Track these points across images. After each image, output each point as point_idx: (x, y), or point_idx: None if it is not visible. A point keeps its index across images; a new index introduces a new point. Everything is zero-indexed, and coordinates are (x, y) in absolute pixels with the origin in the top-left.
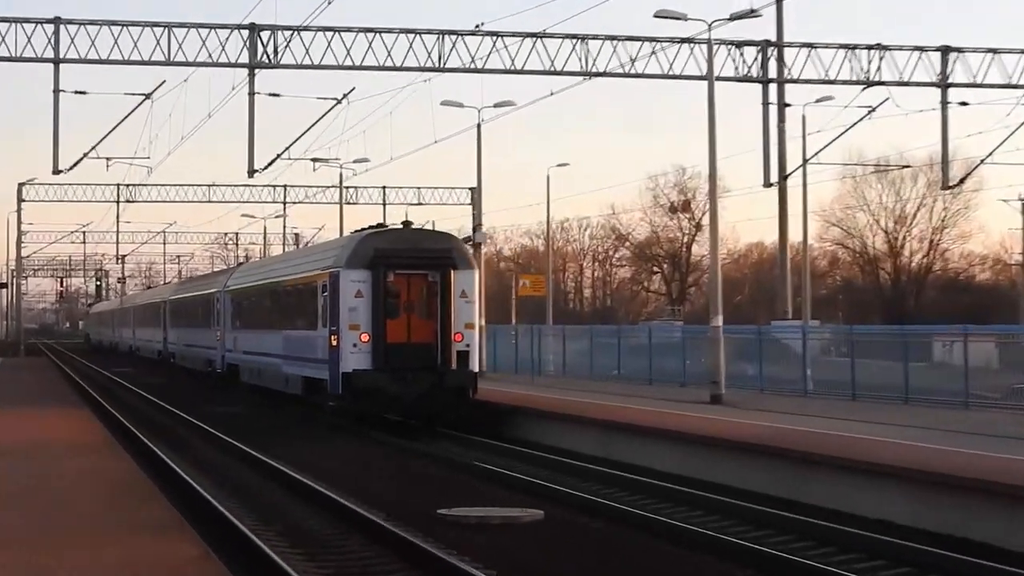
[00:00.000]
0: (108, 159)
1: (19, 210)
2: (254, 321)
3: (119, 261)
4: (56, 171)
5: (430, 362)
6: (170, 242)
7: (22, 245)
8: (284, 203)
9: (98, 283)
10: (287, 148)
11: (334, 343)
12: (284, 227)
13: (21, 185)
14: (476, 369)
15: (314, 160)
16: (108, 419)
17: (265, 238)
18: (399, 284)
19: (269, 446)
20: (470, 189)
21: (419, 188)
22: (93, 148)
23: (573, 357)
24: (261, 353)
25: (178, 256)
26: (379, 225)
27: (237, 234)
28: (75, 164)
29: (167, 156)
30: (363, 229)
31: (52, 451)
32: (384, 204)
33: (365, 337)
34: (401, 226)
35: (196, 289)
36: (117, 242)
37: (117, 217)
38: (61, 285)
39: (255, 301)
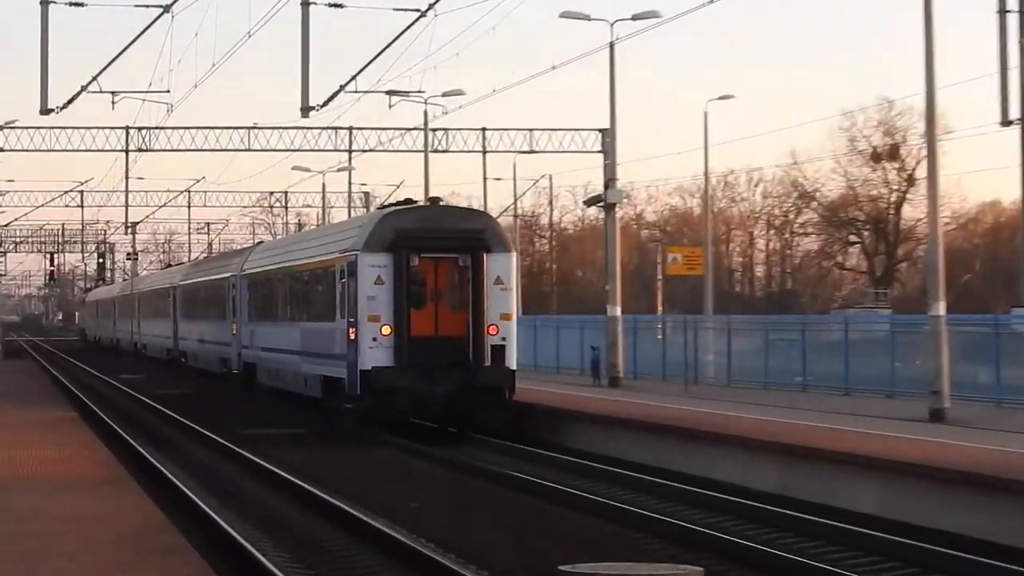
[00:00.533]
0: (114, 94)
1: None
2: (271, 312)
3: (128, 231)
4: (45, 110)
5: (460, 358)
6: (197, 205)
7: None
8: (349, 152)
9: (100, 260)
10: (353, 78)
11: (352, 337)
12: (349, 184)
13: None
14: (513, 366)
15: (390, 93)
16: (117, 444)
17: (324, 199)
18: (425, 269)
19: (312, 470)
20: (600, 131)
21: (531, 131)
22: (94, 79)
23: (741, 359)
24: (278, 349)
25: (207, 223)
26: (406, 201)
27: (287, 193)
28: (70, 101)
29: (192, 90)
30: (388, 206)
31: (42, 487)
32: (484, 152)
33: (386, 330)
34: (428, 203)
35: (209, 272)
36: (127, 205)
37: (126, 172)
38: (51, 263)
39: (272, 288)
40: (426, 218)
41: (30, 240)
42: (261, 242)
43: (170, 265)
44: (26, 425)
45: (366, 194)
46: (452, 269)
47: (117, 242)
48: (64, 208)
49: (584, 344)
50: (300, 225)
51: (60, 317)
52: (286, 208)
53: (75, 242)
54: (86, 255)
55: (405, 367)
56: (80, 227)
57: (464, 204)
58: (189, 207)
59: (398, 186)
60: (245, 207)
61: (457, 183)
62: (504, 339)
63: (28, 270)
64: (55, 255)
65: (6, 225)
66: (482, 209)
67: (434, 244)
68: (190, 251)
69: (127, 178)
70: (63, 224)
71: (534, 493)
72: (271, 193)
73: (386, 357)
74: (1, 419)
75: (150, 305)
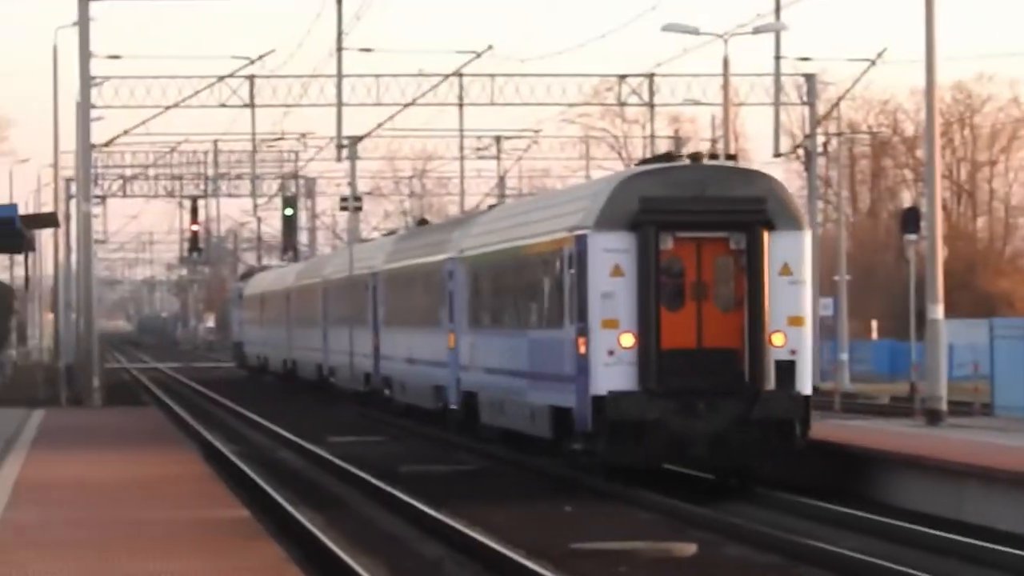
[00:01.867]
0: None
1: (83, 25)
2: (492, 315)
3: (343, 154)
4: None
5: (734, 380)
6: (476, 102)
7: (92, 119)
8: None
9: (289, 212)
10: None
11: (582, 350)
12: (777, 56)
13: None
14: (808, 391)
15: None
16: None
17: (727, 88)
18: (683, 255)
19: None
20: None
21: None
22: None
23: None
24: (500, 370)
25: (496, 138)
26: (664, 157)
27: (652, 79)
28: None
29: None
30: (643, 162)
31: None
32: None
33: (628, 340)
34: (688, 161)
35: (421, 251)
36: (339, 104)
37: (338, 39)
38: (194, 218)
39: (494, 279)
40: (683, 182)
41: (153, 174)
42: (494, 205)
43: (424, 222)
44: (165, 532)
45: (807, 77)
46: (721, 254)
47: (321, 176)
48: (218, 110)
49: None
50: (678, 142)
51: (211, 324)
52: (651, 108)
53: (239, 177)
54: (261, 202)
55: (655, 393)
56: (250, 146)
57: None
58: (461, 106)
59: (872, 61)
60: (571, 105)
61: None
62: (794, 352)
63: (150, 232)
64: (200, 202)
65: (106, 144)
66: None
67: (695, 219)
68: (463, 195)
69: (340, 51)
70: (215, 142)
71: None
72: (622, 78)
73: (627, 378)
74: (122, 522)
75: (341, 303)
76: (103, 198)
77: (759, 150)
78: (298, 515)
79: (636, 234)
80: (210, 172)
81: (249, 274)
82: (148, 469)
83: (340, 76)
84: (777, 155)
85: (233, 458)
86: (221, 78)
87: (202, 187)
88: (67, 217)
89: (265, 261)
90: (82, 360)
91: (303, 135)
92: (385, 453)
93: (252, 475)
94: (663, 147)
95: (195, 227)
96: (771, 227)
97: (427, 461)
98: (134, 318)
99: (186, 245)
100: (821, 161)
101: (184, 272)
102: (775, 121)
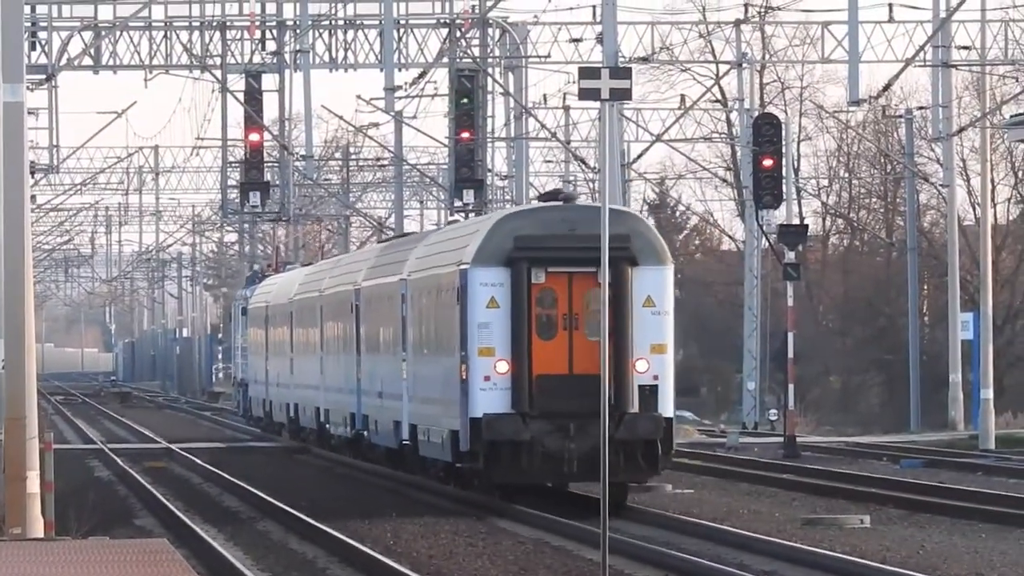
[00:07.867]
0: None
1: None
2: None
3: None
4: None
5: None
6: None
7: None
8: None
9: (465, 101)
10: None
11: (463, 376)
12: None
13: None
14: (669, 413)
15: None
16: None
17: None
18: (555, 288)
19: None
20: None
21: None
22: None
23: None
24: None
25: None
26: (549, 196)
27: None
28: None
29: None
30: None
31: None
32: None
33: (503, 366)
34: (559, 202)
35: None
36: None
37: None
38: (252, 121)
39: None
40: (554, 221)
41: (162, 19)
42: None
43: (770, 118)
44: None
45: None
46: (590, 288)
47: (538, 21)
48: None
49: None
50: None
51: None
52: None
53: (353, 26)
54: (401, 81)
55: (528, 415)
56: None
57: None
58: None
59: None
60: None
61: None
62: (656, 378)
63: (154, 148)
64: (265, 80)
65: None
66: (627, 208)
67: (565, 255)
68: (857, 65)
69: None
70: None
71: None
72: None
73: (502, 401)
74: None
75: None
76: (50, 75)
77: None
78: None
79: (510, 269)
80: (288, 15)
81: (260, 277)
82: None
83: None
84: None
85: None
86: None
87: (269, 52)
88: None
89: (409, 212)
90: (5, 435)
91: None
92: None
93: None
94: None
95: (254, 136)
96: (634, 262)
97: None
98: (118, 341)
99: (235, 177)
100: None
101: (231, 238)
102: None
